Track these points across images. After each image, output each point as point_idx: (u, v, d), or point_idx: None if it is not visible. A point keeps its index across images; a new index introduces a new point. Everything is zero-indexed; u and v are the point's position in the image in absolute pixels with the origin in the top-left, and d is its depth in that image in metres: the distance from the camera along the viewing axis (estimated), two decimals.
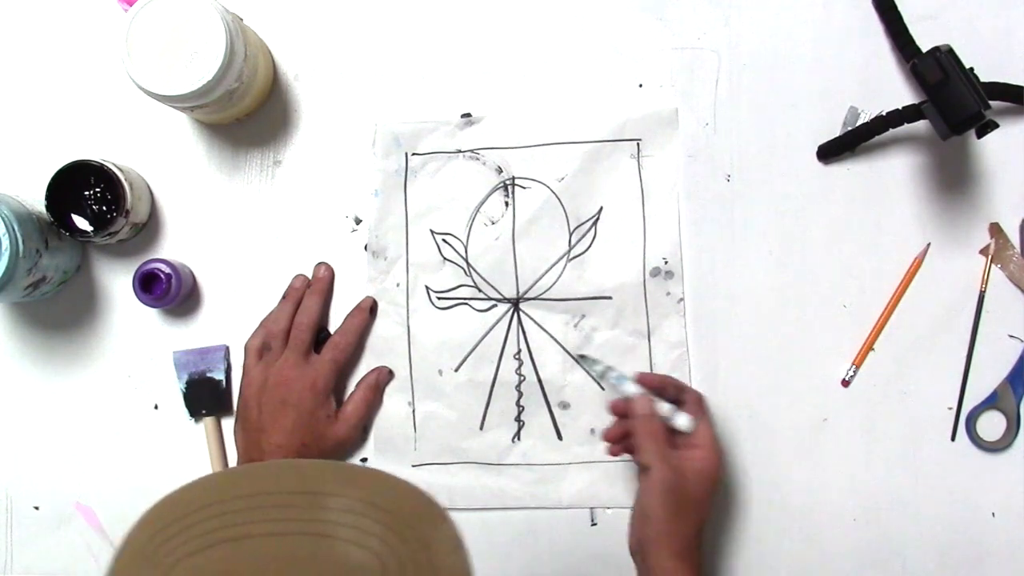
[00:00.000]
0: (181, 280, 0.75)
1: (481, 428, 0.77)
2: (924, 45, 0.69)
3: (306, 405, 0.72)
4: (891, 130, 0.72)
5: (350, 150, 0.78)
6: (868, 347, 0.74)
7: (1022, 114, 0.74)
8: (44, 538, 0.78)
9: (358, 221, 0.78)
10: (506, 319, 0.76)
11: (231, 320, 0.77)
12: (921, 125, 0.71)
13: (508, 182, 0.77)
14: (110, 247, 0.78)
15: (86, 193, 0.72)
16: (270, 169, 0.78)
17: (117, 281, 0.78)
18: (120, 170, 0.73)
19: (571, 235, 0.76)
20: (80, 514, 0.78)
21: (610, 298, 0.76)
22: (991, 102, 0.66)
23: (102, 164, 0.72)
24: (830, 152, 0.75)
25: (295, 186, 0.78)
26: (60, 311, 0.78)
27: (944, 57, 0.64)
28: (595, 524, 0.75)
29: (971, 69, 0.65)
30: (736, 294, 0.75)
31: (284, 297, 0.76)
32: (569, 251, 0.76)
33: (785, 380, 0.75)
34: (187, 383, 0.77)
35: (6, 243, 0.67)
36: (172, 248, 0.78)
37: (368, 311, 0.77)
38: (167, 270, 0.74)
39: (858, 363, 0.75)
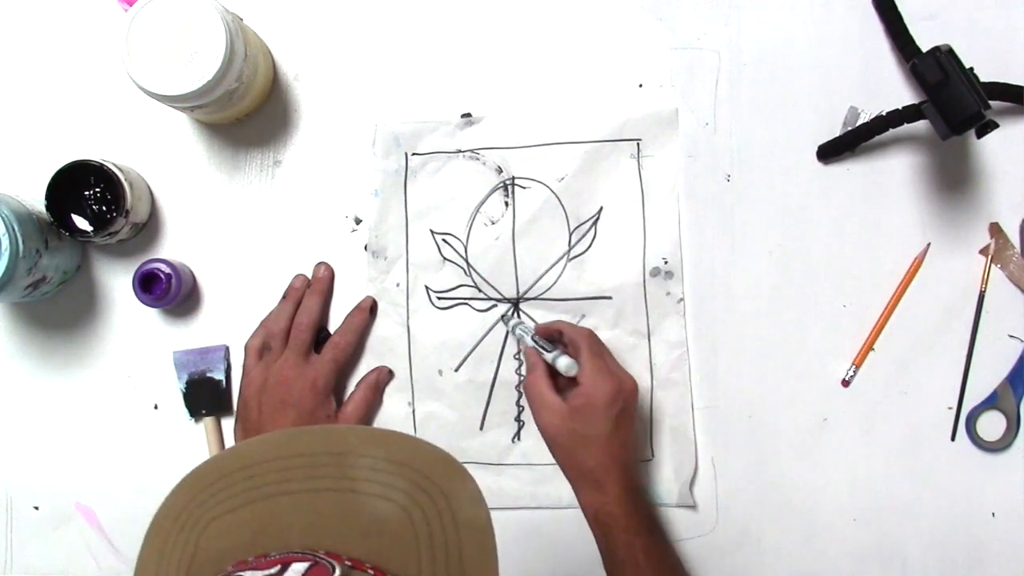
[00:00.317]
0: (181, 280, 0.75)
1: (481, 428, 0.77)
2: (924, 45, 0.69)
3: (306, 405, 0.72)
4: (891, 130, 0.72)
5: (350, 150, 0.78)
6: (868, 347, 0.74)
7: (1022, 114, 0.74)
8: (44, 538, 0.78)
9: (358, 221, 0.78)
10: (510, 327, 0.76)
11: (231, 320, 0.77)
12: (921, 125, 0.71)
13: (508, 182, 0.77)
14: (110, 247, 0.78)
15: (86, 193, 0.72)
16: (270, 169, 0.78)
17: (117, 281, 0.78)
18: (120, 170, 0.73)
19: (571, 235, 0.76)
20: (80, 514, 0.78)
21: (610, 298, 0.76)
22: (991, 102, 0.66)
23: (102, 164, 0.72)
24: (830, 152, 0.74)
25: (295, 186, 0.78)
26: (60, 311, 0.78)
27: (944, 57, 0.64)
28: None
29: (971, 69, 0.65)
30: (736, 294, 0.75)
31: (284, 297, 0.76)
32: (569, 251, 0.76)
33: (785, 380, 0.75)
34: (187, 383, 0.77)
35: (6, 243, 0.67)
36: (172, 248, 0.78)
37: (368, 311, 0.77)
38: (167, 270, 0.74)
39: (858, 363, 0.75)
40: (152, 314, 0.78)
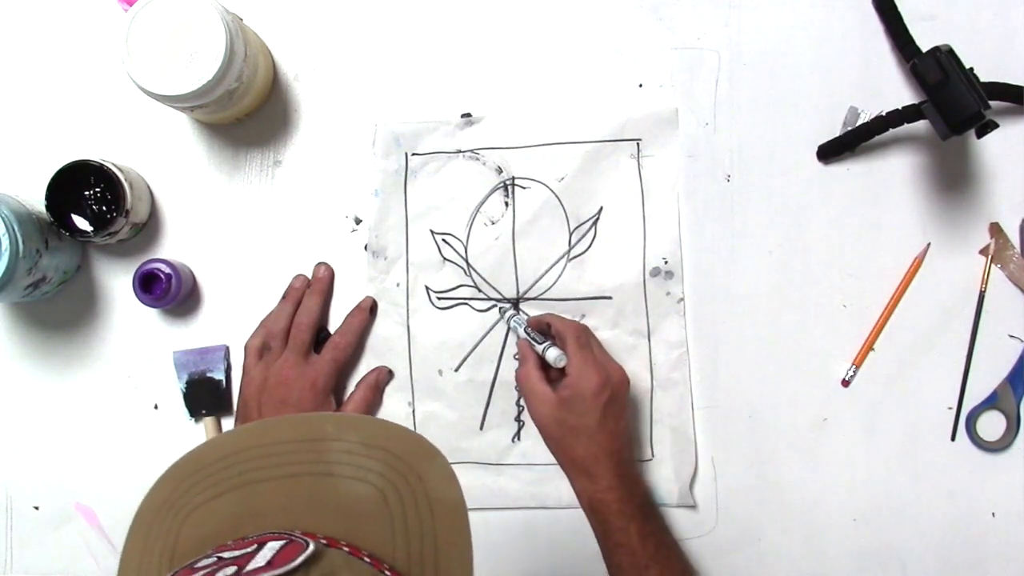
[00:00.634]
0: (181, 280, 0.75)
1: (481, 428, 0.77)
2: (924, 45, 0.69)
3: (306, 405, 0.72)
4: (891, 130, 0.72)
5: (350, 150, 0.78)
6: (868, 347, 0.74)
7: (1022, 114, 0.74)
8: (44, 538, 0.78)
9: (358, 221, 0.78)
10: (506, 319, 0.76)
11: (231, 320, 0.77)
12: (921, 125, 0.71)
13: (508, 182, 0.77)
14: (110, 247, 0.78)
15: (86, 193, 0.72)
16: (270, 169, 0.78)
17: (117, 281, 0.78)
18: (120, 170, 0.73)
19: (571, 235, 0.76)
20: (80, 514, 0.78)
21: (610, 298, 0.76)
22: (991, 102, 0.66)
23: (102, 164, 0.72)
24: (830, 152, 0.75)
25: (295, 186, 0.78)
26: (60, 311, 0.78)
27: (944, 57, 0.64)
28: None
29: (971, 69, 0.65)
30: (736, 294, 0.75)
31: (284, 297, 0.76)
32: (569, 251, 0.76)
33: (785, 380, 0.75)
34: (187, 383, 0.77)
35: (6, 243, 0.67)
36: (172, 248, 0.78)
37: (368, 311, 0.77)
38: (167, 270, 0.74)
39: (858, 363, 0.75)
40: (152, 314, 0.78)
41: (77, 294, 0.78)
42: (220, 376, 0.77)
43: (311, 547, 0.37)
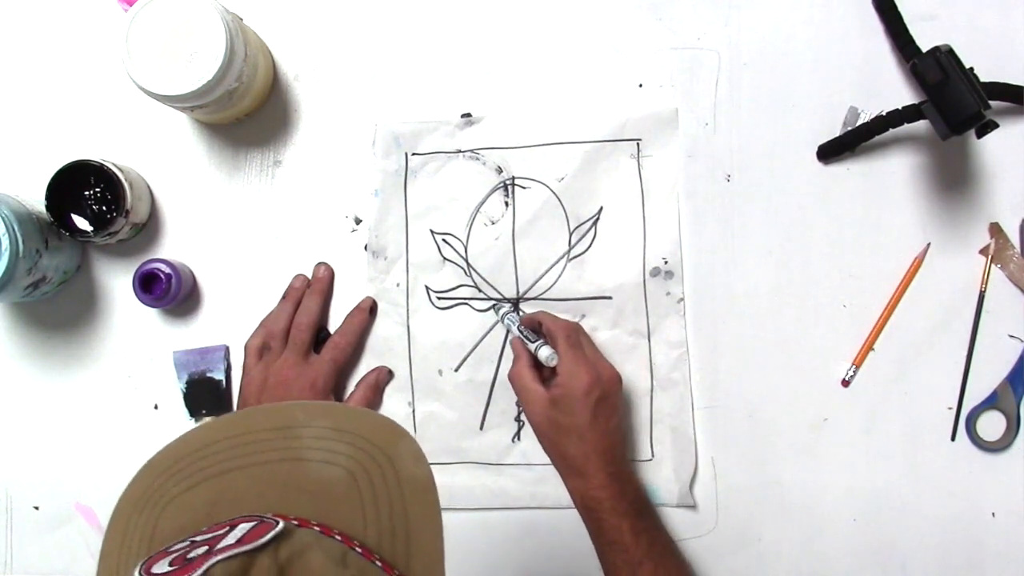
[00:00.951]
0: (181, 280, 0.75)
1: (481, 428, 0.77)
2: (924, 45, 0.69)
3: None
4: (891, 130, 0.72)
5: (350, 150, 0.78)
6: (868, 347, 0.74)
7: (1022, 114, 0.74)
8: (44, 538, 0.78)
9: (358, 221, 0.78)
10: (500, 316, 0.76)
11: (231, 320, 0.77)
12: (921, 125, 0.71)
13: (508, 182, 0.77)
14: (110, 247, 0.78)
15: (86, 193, 0.72)
16: (270, 169, 0.78)
17: (117, 281, 0.78)
18: (120, 170, 0.73)
19: (571, 235, 0.76)
20: (80, 514, 0.78)
21: (610, 298, 0.76)
22: (991, 102, 0.66)
23: (102, 164, 0.72)
24: (830, 152, 0.74)
25: (295, 186, 0.78)
26: (60, 311, 0.78)
27: (944, 57, 0.64)
28: None
29: (971, 69, 0.65)
30: (736, 294, 0.75)
31: (284, 297, 0.76)
32: (569, 251, 0.76)
33: (785, 380, 0.75)
34: (187, 383, 0.77)
35: (6, 243, 0.67)
36: (172, 248, 0.78)
37: (368, 311, 0.77)
38: (167, 270, 0.74)
39: (858, 363, 0.75)
40: (152, 314, 0.78)
41: (77, 294, 0.78)
42: (220, 376, 0.77)
43: (280, 525, 0.38)
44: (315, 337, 0.75)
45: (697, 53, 0.76)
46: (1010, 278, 0.74)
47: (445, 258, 0.77)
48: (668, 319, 0.75)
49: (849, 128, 0.74)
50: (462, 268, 0.77)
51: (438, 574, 0.43)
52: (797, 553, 0.74)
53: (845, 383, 0.75)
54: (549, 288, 0.76)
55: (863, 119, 0.74)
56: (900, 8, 0.73)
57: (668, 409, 0.75)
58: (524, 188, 0.76)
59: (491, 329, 0.77)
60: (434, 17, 0.78)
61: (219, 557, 0.36)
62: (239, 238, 0.78)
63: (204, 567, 0.35)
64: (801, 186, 0.75)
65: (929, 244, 0.74)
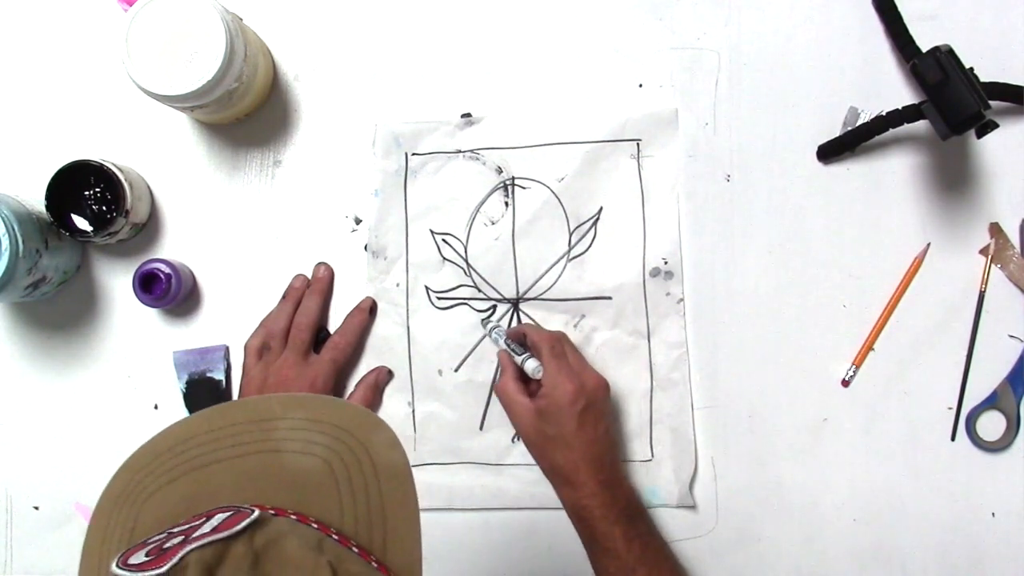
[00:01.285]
0: (181, 280, 0.75)
1: (481, 428, 0.77)
2: (924, 45, 0.69)
3: None
4: (891, 130, 0.72)
5: (350, 150, 0.78)
6: (868, 347, 0.74)
7: (1022, 114, 0.74)
8: (44, 538, 0.78)
9: (358, 221, 0.78)
10: (506, 319, 0.76)
11: (231, 320, 0.77)
12: (921, 125, 0.71)
13: (508, 182, 0.77)
14: (110, 247, 0.78)
15: (86, 193, 0.72)
16: (270, 169, 0.78)
17: (117, 281, 0.78)
18: (120, 170, 0.73)
19: (571, 235, 0.76)
20: (80, 514, 0.78)
21: (610, 298, 0.76)
22: (991, 102, 0.66)
23: (102, 164, 0.72)
24: (830, 152, 0.75)
25: (295, 186, 0.78)
26: (60, 311, 0.78)
27: (944, 57, 0.64)
28: None
29: (971, 69, 0.65)
30: (736, 294, 0.75)
31: (284, 297, 0.76)
32: (569, 251, 0.76)
33: (785, 380, 0.75)
34: (187, 383, 0.77)
35: (6, 243, 0.67)
36: (172, 248, 0.78)
37: (368, 311, 0.77)
38: (167, 270, 0.74)
39: (858, 363, 0.75)
40: (152, 314, 0.78)
41: (77, 294, 0.78)
42: (220, 376, 0.77)
43: (256, 513, 0.39)
44: (315, 337, 0.75)
45: (697, 53, 0.76)
46: (1010, 278, 0.74)
47: (445, 258, 0.77)
48: (668, 319, 0.75)
49: (849, 128, 0.74)
50: (462, 268, 0.77)
51: (415, 559, 0.43)
52: (797, 553, 0.74)
53: (845, 383, 0.75)
54: (549, 288, 0.76)
55: (863, 119, 0.74)
56: (900, 8, 0.73)
57: (668, 409, 0.75)
58: (524, 188, 0.76)
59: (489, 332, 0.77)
60: (434, 17, 0.78)
61: (194, 545, 0.37)
62: (239, 238, 0.78)
63: (179, 555, 0.36)
64: (801, 186, 0.75)
65: (929, 244, 0.74)
